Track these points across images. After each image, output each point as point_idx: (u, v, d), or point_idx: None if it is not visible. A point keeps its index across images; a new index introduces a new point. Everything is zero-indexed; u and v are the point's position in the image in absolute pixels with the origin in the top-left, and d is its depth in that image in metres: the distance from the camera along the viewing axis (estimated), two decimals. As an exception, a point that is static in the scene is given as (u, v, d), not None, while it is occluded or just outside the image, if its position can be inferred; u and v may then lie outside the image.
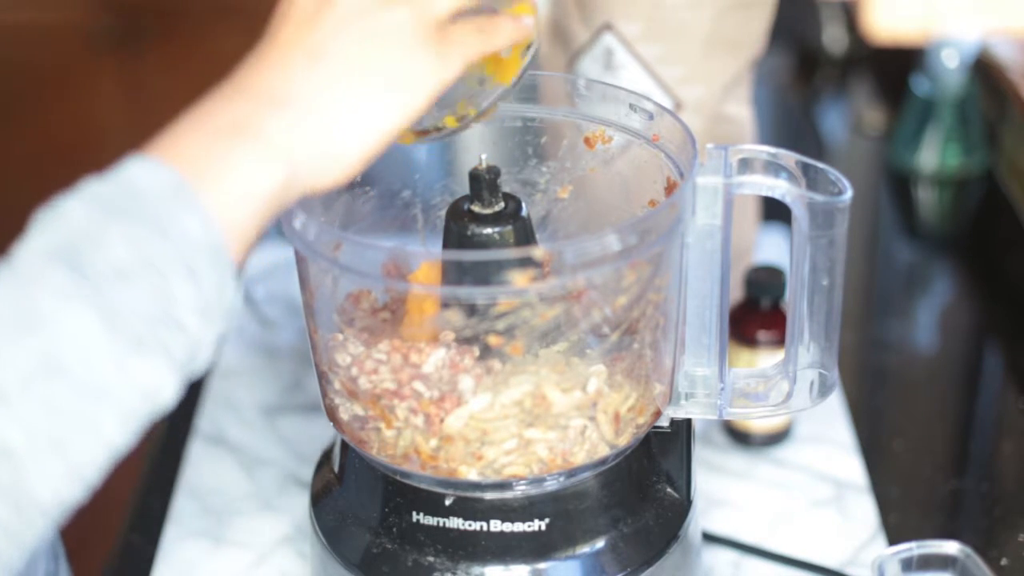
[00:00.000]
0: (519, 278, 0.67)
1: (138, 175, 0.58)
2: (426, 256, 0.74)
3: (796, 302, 0.75)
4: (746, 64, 1.06)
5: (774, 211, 1.03)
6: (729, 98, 1.06)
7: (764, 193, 0.73)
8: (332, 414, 0.78)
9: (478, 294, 0.69)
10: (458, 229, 0.75)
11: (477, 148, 0.82)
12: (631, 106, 0.79)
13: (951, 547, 0.86)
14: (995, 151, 1.42)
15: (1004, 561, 0.95)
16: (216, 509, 1.01)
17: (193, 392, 1.15)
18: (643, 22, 1.02)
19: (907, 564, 0.86)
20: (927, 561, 0.86)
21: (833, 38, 1.65)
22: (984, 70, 1.43)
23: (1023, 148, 1.35)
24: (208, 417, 1.12)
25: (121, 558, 0.98)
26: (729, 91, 1.05)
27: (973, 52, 1.42)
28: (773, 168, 0.73)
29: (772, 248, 1.29)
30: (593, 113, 0.81)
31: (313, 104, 0.62)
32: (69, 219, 0.57)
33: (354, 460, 0.80)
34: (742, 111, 1.08)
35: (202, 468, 1.05)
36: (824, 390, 0.77)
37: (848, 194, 0.71)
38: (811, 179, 0.72)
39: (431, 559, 0.76)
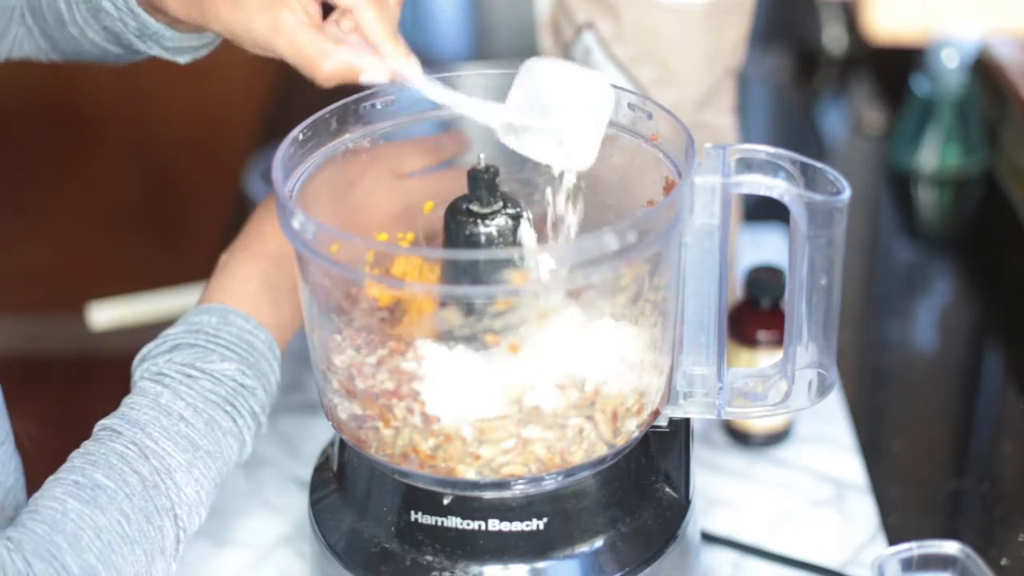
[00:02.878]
0: (516, 277, 0.67)
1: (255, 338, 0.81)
2: (405, 253, 0.74)
3: (795, 302, 0.75)
4: (724, 72, 1.06)
5: (774, 210, 1.03)
6: (708, 106, 1.05)
7: (762, 193, 0.73)
8: (331, 414, 0.78)
9: (475, 293, 0.69)
10: (456, 228, 0.75)
11: (476, 147, 0.82)
12: (630, 105, 0.79)
13: (951, 547, 0.86)
14: (995, 151, 1.42)
15: (1004, 561, 0.95)
16: (216, 509, 1.01)
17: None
18: (620, 22, 1.02)
19: (907, 564, 0.86)
20: (927, 561, 0.86)
21: (833, 38, 1.65)
22: (984, 70, 1.43)
23: (1023, 148, 1.35)
24: (208, 417, 1.12)
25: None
26: (707, 99, 1.05)
27: (973, 52, 1.42)
28: (771, 168, 0.73)
29: (772, 248, 1.29)
30: None
31: None
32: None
33: (353, 459, 0.80)
34: (724, 120, 1.07)
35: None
36: (823, 390, 0.77)
37: (846, 194, 0.71)
38: (809, 179, 0.72)
39: (429, 558, 0.76)
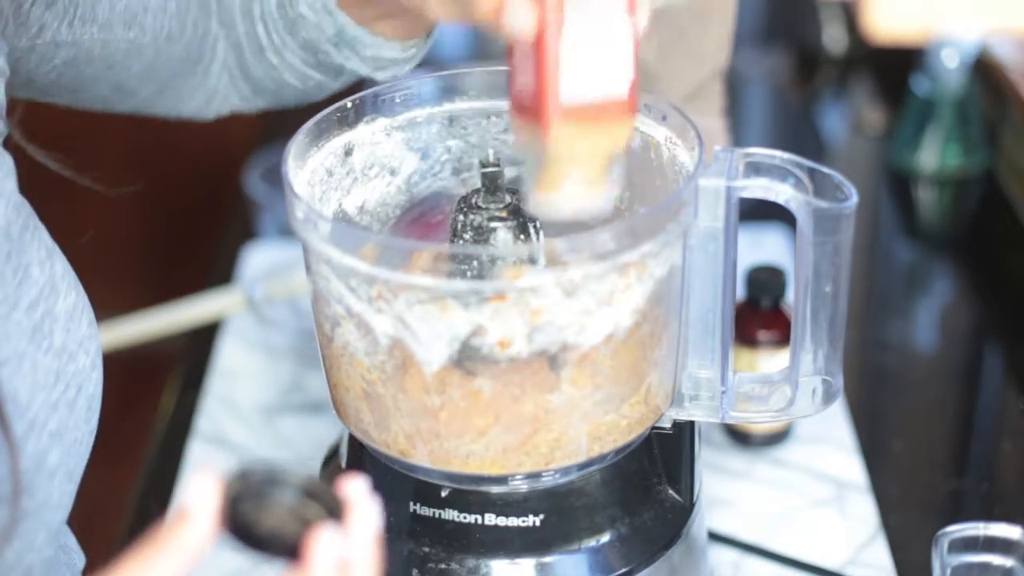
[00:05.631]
0: (512, 273, 0.68)
1: None
2: (413, 247, 0.74)
3: (800, 308, 0.75)
4: (710, 74, 1.05)
5: (774, 210, 1.03)
6: (693, 109, 1.05)
7: (769, 197, 0.73)
8: (336, 404, 0.78)
9: (473, 288, 0.69)
10: (463, 221, 0.76)
11: (487, 143, 0.83)
12: (645, 106, 0.79)
13: (1015, 532, 0.86)
14: (995, 151, 1.42)
15: (1004, 562, 0.95)
16: (217, 509, 1.01)
17: (193, 392, 1.15)
18: None
19: (972, 543, 0.85)
20: (992, 543, 0.86)
21: (833, 38, 1.65)
22: (984, 70, 1.43)
23: (1023, 148, 1.35)
24: (208, 417, 1.12)
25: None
26: (691, 101, 1.04)
27: (973, 52, 1.42)
28: (780, 172, 0.73)
29: (772, 248, 1.29)
30: None
31: None
32: None
33: (357, 451, 0.80)
34: (710, 123, 1.07)
35: (202, 468, 1.05)
36: (828, 397, 0.77)
37: (853, 200, 0.71)
38: (816, 184, 0.72)
39: (427, 549, 0.77)
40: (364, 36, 0.80)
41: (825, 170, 0.73)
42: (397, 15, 0.79)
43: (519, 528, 0.76)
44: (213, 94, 0.91)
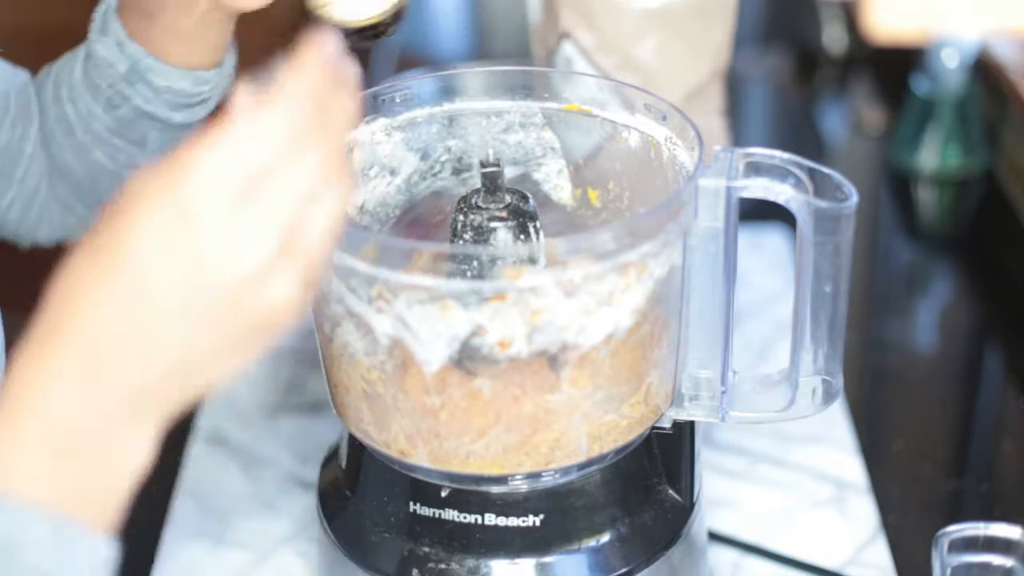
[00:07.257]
0: (512, 272, 0.68)
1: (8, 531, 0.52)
2: (413, 247, 0.74)
3: (800, 308, 0.75)
4: (710, 74, 1.05)
5: (774, 210, 1.02)
6: (693, 108, 1.05)
7: (769, 197, 0.73)
8: (336, 404, 0.78)
9: (474, 288, 0.69)
10: (463, 221, 0.76)
11: (487, 143, 0.83)
12: (646, 106, 0.79)
13: (1015, 532, 0.86)
14: (995, 151, 1.42)
15: (1004, 562, 0.95)
16: (216, 509, 1.01)
17: (193, 392, 1.15)
18: (598, 32, 1.01)
19: (972, 543, 0.85)
20: (991, 543, 0.86)
21: (833, 38, 1.65)
22: (984, 70, 1.43)
23: (1023, 148, 1.35)
24: (208, 417, 1.12)
25: (121, 559, 0.98)
26: (691, 101, 1.05)
27: (973, 52, 1.42)
28: (780, 172, 0.73)
29: (772, 248, 1.29)
30: (605, 112, 0.81)
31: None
32: None
33: (357, 451, 0.81)
34: (710, 123, 1.07)
35: (202, 468, 1.05)
36: (828, 397, 0.77)
37: (853, 200, 0.71)
38: (816, 184, 0.72)
39: (427, 549, 0.77)
40: (155, 64, 0.81)
41: (825, 170, 0.73)
42: (183, 33, 0.80)
43: (519, 528, 0.76)
44: (30, 203, 0.91)
